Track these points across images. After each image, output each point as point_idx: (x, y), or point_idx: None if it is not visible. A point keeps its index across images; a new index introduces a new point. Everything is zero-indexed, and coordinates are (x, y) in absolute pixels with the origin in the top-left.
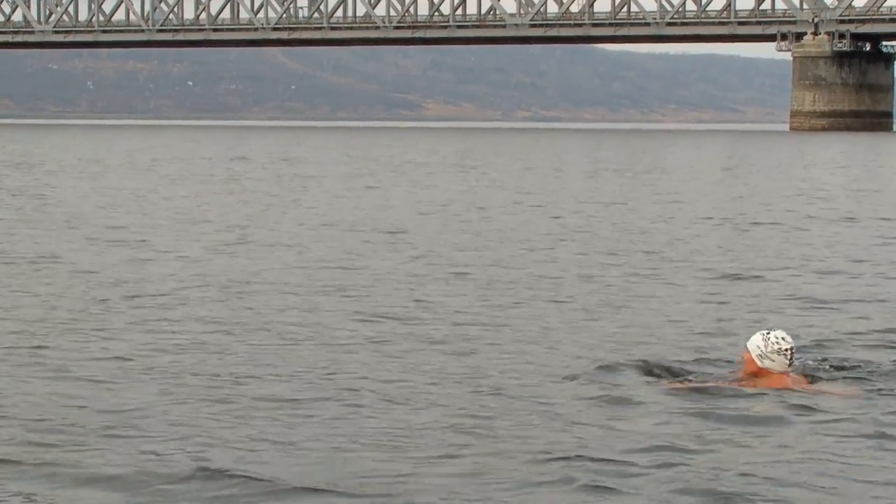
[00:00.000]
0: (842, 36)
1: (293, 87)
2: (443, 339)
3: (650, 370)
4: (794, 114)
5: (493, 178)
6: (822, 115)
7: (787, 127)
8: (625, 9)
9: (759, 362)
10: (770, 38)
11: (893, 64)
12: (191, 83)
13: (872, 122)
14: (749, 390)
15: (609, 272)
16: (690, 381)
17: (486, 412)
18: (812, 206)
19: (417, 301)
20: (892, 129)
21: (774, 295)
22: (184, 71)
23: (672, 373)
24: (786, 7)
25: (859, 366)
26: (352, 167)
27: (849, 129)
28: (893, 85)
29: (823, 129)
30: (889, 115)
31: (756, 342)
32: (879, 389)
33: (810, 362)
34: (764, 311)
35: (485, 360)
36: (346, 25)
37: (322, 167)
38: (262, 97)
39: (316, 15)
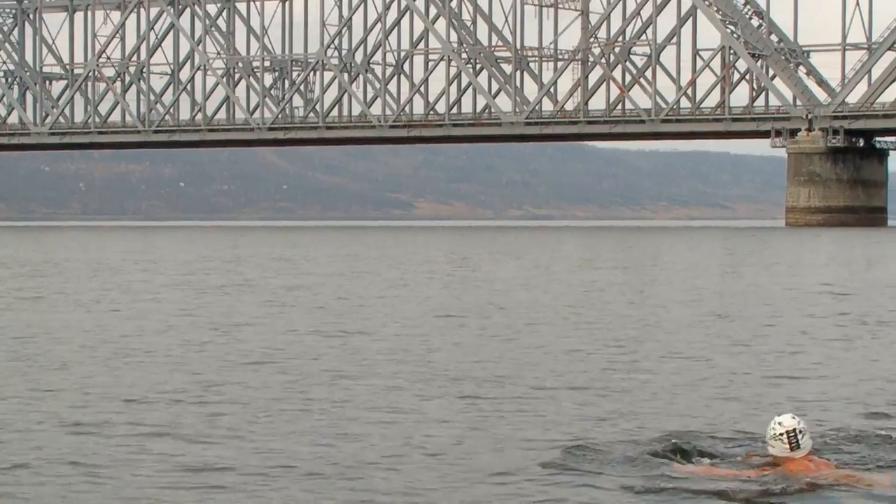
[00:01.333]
0: (836, 132)
1: (284, 186)
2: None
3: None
4: (789, 210)
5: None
6: (818, 210)
7: (782, 223)
8: (619, 106)
9: (768, 449)
10: (764, 134)
11: (887, 159)
12: (182, 184)
13: (867, 217)
14: (764, 476)
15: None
16: (716, 464)
17: None
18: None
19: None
20: (886, 224)
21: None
22: (175, 172)
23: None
24: (780, 104)
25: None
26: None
27: (843, 224)
28: (887, 180)
29: (819, 224)
30: (883, 210)
31: (767, 428)
32: None
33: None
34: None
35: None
36: (341, 125)
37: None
38: (253, 197)
39: (311, 115)
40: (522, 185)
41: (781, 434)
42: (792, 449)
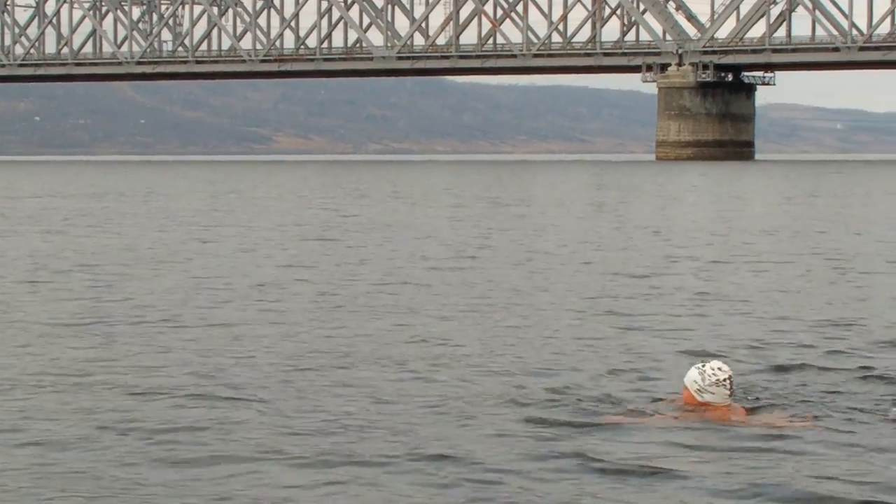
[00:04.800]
0: (705, 67)
1: (142, 121)
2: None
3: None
4: (659, 143)
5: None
6: (687, 144)
7: (641, 157)
8: (490, 41)
9: (698, 397)
10: (635, 69)
11: (755, 94)
12: (38, 118)
13: (735, 151)
14: (696, 423)
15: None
16: (633, 413)
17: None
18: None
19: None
20: (753, 157)
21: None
22: (31, 106)
23: (609, 402)
24: (650, 38)
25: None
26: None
27: (713, 158)
28: (755, 115)
29: (688, 158)
30: (751, 144)
31: (693, 377)
32: (818, 413)
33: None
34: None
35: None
36: (211, 59)
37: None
38: (110, 132)
39: (180, 49)
40: (382, 119)
41: (725, 380)
42: (730, 395)
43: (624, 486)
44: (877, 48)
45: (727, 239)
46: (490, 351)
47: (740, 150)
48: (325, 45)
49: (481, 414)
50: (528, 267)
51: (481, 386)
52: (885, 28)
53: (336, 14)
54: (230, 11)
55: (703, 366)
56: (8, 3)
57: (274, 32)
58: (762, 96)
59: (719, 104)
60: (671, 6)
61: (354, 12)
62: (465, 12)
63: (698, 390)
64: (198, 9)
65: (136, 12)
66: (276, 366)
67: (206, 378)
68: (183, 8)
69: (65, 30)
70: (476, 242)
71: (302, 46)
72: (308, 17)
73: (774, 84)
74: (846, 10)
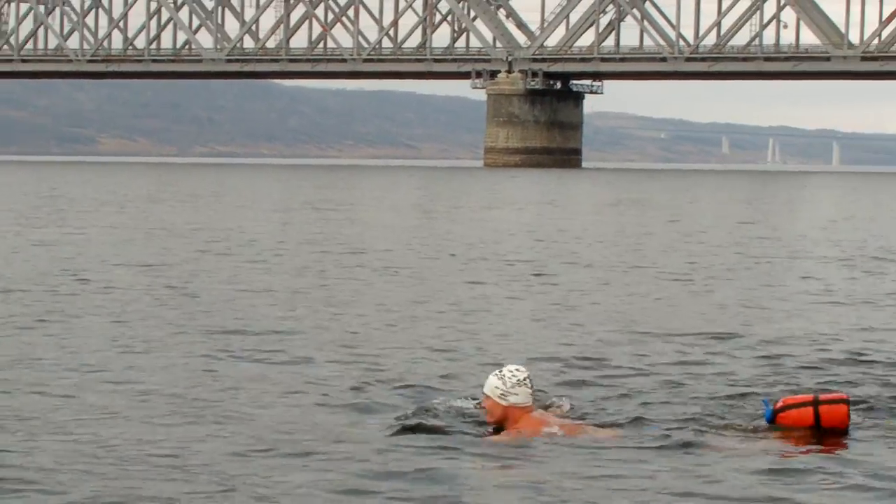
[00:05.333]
0: (534, 74)
1: None
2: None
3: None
4: (487, 150)
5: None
6: (516, 151)
7: (467, 163)
8: (321, 45)
9: (502, 401)
10: (465, 75)
11: (582, 102)
12: None
13: (563, 158)
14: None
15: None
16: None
17: None
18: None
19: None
20: (580, 165)
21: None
22: None
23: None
24: (480, 45)
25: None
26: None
27: (540, 165)
28: (582, 123)
29: (516, 165)
30: (578, 151)
31: (493, 384)
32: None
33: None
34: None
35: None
36: (37, 58)
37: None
38: None
39: (5, 47)
40: (208, 121)
41: (525, 379)
42: (532, 392)
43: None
44: (703, 59)
45: (550, 245)
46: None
47: (568, 157)
48: (154, 46)
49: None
50: (350, 271)
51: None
52: (711, 39)
53: (165, 15)
54: (57, 10)
55: (501, 371)
56: None
57: (102, 32)
58: (590, 105)
59: (548, 112)
60: (502, 14)
61: (184, 13)
62: (295, 16)
63: (502, 395)
64: (24, 7)
65: None
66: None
67: None
68: (8, 6)
69: None
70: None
71: (130, 47)
72: (137, 18)
73: (602, 93)
74: (674, 20)
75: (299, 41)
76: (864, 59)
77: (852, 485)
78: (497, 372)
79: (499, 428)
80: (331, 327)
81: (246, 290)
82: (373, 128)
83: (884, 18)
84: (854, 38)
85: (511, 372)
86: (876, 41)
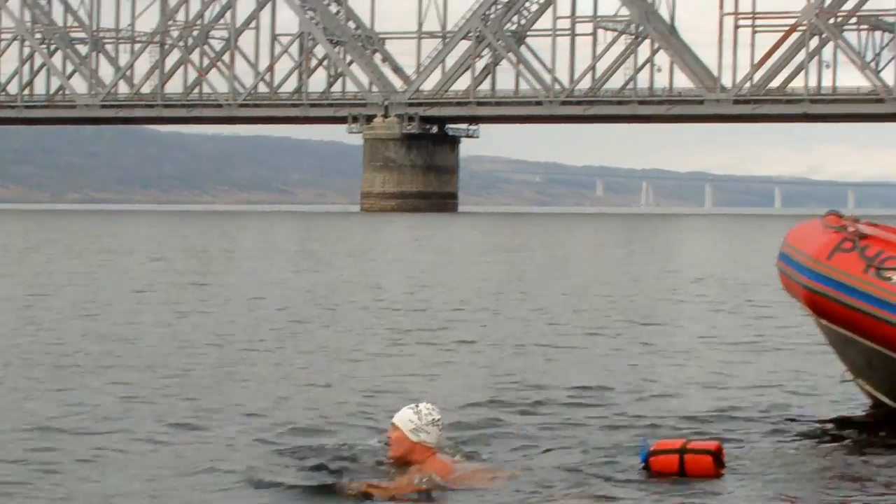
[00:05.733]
0: (411, 119)
1: None
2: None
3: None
4: (364, 195)
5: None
6: (392, 196)
7: (342, 207)
8: (196, 90)
9: (413, 436)
10: (341, 119)
11: (458, 146)
12: None
13: (439, 202)
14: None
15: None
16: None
17: None
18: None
19: None
20: (457, 209)
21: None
22: None
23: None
24: (357, 90)
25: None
26: None
27: (417, 209)
28: (458, 167)
29: (393, 209)
30: (454, 195)
31: (408, 416)
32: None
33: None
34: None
35: None
36: None
37: None
38: None
39: None
40: (81, 168)
41: (438, 420)
42: (440, 433)
43: None
44: (578, 103)
45: (430, 290)
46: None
47: (444, 201)
48: (27, 91)
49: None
50: (224, 321)
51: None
52: (586, 83)
53: (39, 60)
54: None
55: (417, 406)
56: None
57: None
58: (466, 148)
59: (424, 156)
60: (378, 58)
61: (57, 59)
62: (170, 61)
63: (414, 429)
64: None
65: None
66: None
67: None
68: None
69: None
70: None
71: (2, 93)
72: (9, 64)
73: (478, 136)
74: (549, 64)
75: (174, 86)
76: (736, 102)
77: None
78: (413, 405)
79: (402, 464)
80: (215, 374)
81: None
82: (248, 173)
83: (755, 62)
84: (727, 81)
85: (428, 409)
86: (748, 84)
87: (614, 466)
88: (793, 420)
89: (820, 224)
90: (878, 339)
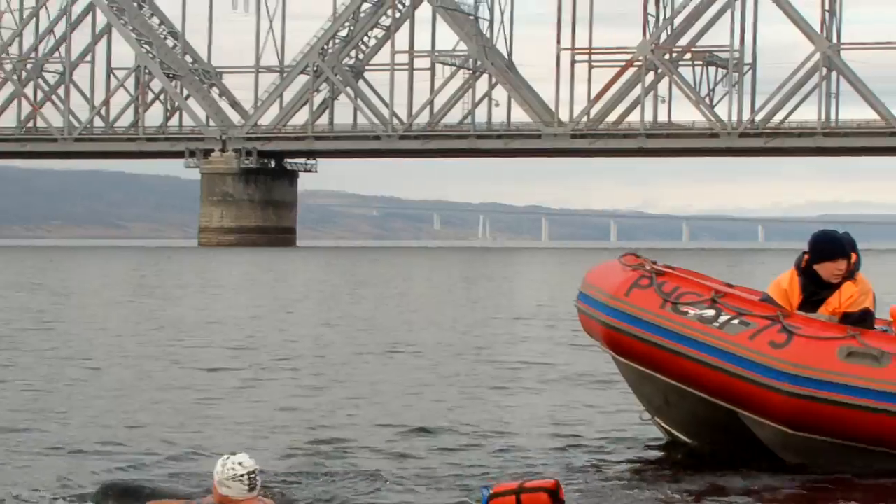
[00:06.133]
0: (248, 153)
1: None
2: None
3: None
4: (202, 229)
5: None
6: (230, 230)
7: (180, 242)
8: (31, 123)
9: (219, 489)
10: (179, 154)
11: (297, 181)
12: None
13: (278, 237)
14: None
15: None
16: None
17: None
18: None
19: None
20: (295, 244)
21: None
22: None
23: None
24: (194, 124)
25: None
26: None
27: (255, 244)
28: (297, 201)
29: (231, 244)
30: (293, 230)
31: (217, 469)
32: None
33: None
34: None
35: None
36: None
37: None
38: None
39: None
40: None
41: (243, 475)
42: (250, 490)
43: None
44: (416, 137)
45: (264, 325)
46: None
47: (283, 236)
48: None
49: None
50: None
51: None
52: (424, 117)
53: None
54: None
55: (227, 458)
56: None
57: None
58: (304, 183)
59: (262, 190)
60: (215, 92)
61: None
62: (3, 94)
63: (218, 482)
64: None
65: None
66: None
67: None
68: None
69: None
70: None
71: None
72: None
73: (316, 171)
74: (387, 99)
75: (8, 120)
76: (573, 136)
77: None
78: (224, 457)
79: None
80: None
81: None
82: (82, 208)
83: (592, 97)
84: (564, 116)
85: (233, 463)
86: (585, 119)
87: None
88: (610, 455)
89: (618, 263)
90: (674, 374)
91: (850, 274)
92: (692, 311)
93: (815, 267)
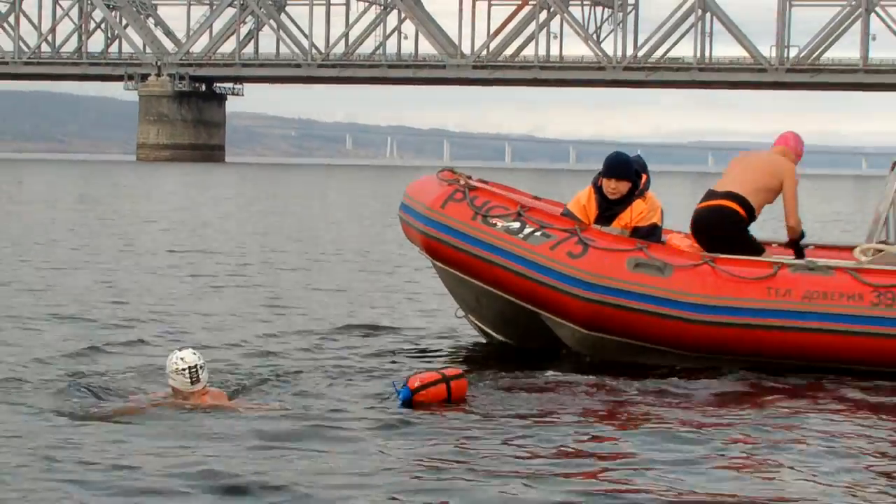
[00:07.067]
0: (182, 78)
1: None
2: None
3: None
4: (140, 146)
5: None
6: (166, 147)
7: (120, 157)
8: None
9: (169, 382)
10: (118, 78)
11: (225, 103)
12: None
13: (208, 153)
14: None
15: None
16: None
17: None
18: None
19: None
20: (224, 160)
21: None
22: None
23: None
24: (132, 51)
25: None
26: None
27: (188, 160)
28: (225, 122)
29: (166, 159)
30: (222, 147)
31: (166, 363)
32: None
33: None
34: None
35: None
36: None
37: None
38: None
39: None
40: None
41: (184, 369)
42: (192, 383)
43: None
44: (333, 66)
45: (198, 232)
46: None
47: (212, 152)
48: None
49: None
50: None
51: None
52: (340, 48)
53: None
54: None
55: (174, 353)
56: None
57: None
58: (231, 105)
59: (194, 111)
60: (151, 22)
61: None
62: None
63: (167, 375)
64: None
65: None
66: None
67: None
68: None
69: None
70: None
71: None
72: None
73: (243, 95)
74: (307, 31)
75: None
76: (475, 67)
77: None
78: (174, 351)
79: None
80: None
81: None
82: (29, 125)
83: (492, 32)
84: (466, 49)
85: (177, 358)
86: (485, 52)
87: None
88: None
89: (436, 178)
90: (485, 279)
91: (641, 192)
92: (500, 223)
93: (601, 183)
